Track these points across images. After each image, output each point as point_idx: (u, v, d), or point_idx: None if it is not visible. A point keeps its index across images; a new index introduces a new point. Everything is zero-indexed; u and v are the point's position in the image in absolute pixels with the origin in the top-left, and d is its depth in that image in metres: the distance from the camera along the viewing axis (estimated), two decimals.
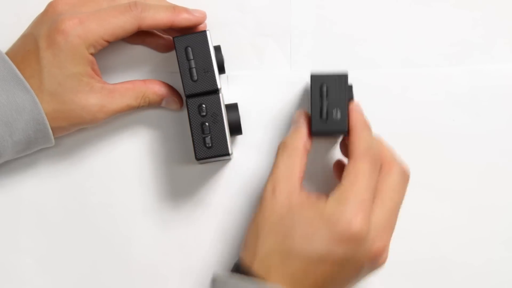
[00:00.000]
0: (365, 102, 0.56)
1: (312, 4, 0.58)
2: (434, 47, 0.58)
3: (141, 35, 0.57)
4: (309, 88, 0.52)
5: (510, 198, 0.58)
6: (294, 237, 0.48)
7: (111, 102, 0.54)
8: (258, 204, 0.50)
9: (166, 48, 0.58)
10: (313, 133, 0.52)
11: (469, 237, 0.58)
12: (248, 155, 0.58)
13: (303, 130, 0.52)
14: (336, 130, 0.52)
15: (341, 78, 0.52)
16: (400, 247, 0.55)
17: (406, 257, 0.58)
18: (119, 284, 0.58)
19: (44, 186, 0.58)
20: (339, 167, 0.56)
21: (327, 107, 0.51)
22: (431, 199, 0.58)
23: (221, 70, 0.55)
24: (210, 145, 0.53)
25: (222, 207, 0.58)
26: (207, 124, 0.53)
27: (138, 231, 0.58)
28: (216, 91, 0.53)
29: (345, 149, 0.54)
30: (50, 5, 0.54)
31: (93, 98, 0.53)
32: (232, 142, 0.57)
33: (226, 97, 0.58)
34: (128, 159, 0.58)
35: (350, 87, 0.53)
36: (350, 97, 0.53)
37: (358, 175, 0.49)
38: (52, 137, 0.54)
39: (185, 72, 0.53)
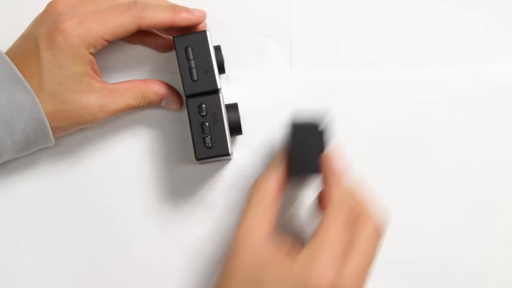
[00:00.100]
0: (365, 102, 0.56)
1: (312, 4, 0.58)
2: (434, 47, 0.58)
3: (141, 35, 0.57)
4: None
5: (510, 198, 0.58)
6: None
7: (111, 102, 0.54)
8: (230, 249, 0.49)
9: (166, 48, 0.58)
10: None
11: (469, 237, 0.58)
12: (248, 155, 0.58)
13: (279, 169, 0.51)
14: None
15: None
16: (400, 247, 0.55)
17: (406, 257, 0.58)
18: (119, 284, 0.58)
19: (44, 186, 0.58)
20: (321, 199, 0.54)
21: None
22: (431, 199, 0.58)
23: (221, 70, 0.55)
24: (210, 145, 0.53)
25: (222, 207, 0.58)
26: (207, 124, 0.53)
27: (138, 231, 0.58)
28: (216, 91, 0.53)
29: (320, 201, 0.52)
30: (50, 5, 0.54)
31: (93, 98, 0.53)
32: (232, 142, 0.57)
33: (226, 97, 0.58)
34: (128, 159, 0.58)
35: (321, 133, 0.50)
36: (323, 147, 0.50)
37: (329, 232, 0.47)
38: (52, 137, 0.54)
39: (185, 72, 0.53)
